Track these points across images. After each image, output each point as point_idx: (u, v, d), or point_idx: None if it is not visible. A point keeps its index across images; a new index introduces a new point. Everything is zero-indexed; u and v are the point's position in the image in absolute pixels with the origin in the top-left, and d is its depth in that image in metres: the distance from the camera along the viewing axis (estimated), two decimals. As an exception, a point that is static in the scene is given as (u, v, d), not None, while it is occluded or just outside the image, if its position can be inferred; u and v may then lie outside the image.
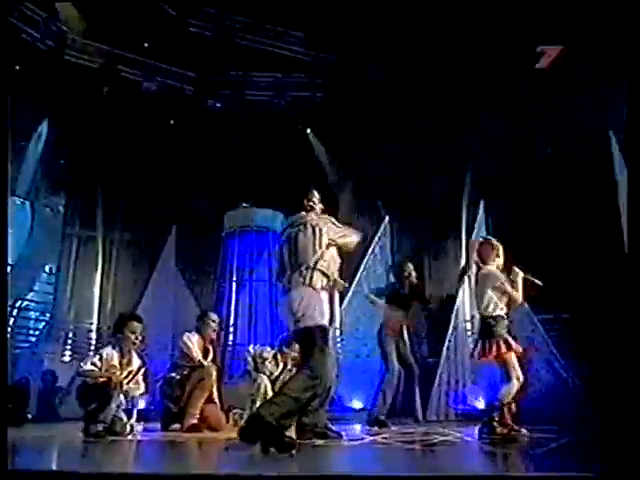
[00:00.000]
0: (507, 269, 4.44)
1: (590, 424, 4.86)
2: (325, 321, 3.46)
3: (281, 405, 3.22)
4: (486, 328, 4.31)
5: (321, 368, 3.31)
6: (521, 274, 4.38)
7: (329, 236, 3.60)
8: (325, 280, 3.50)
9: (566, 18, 6.25)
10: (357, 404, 7.54)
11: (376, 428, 5.46)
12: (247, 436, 3.12)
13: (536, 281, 4.41)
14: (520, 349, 4.29)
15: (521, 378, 4.22)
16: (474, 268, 4.60)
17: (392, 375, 5.88)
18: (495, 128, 7.28)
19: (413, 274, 6.19)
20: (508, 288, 4.35)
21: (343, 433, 4.20)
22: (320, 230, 3.58)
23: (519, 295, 4.36)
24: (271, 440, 3.06)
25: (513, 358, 4.22)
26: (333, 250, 3.61)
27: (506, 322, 4.32)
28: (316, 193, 3.88)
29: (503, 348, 4.18)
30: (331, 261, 3.56)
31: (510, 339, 4.25)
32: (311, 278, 3.47)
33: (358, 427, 5.38)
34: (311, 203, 3.81)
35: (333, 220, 3.73)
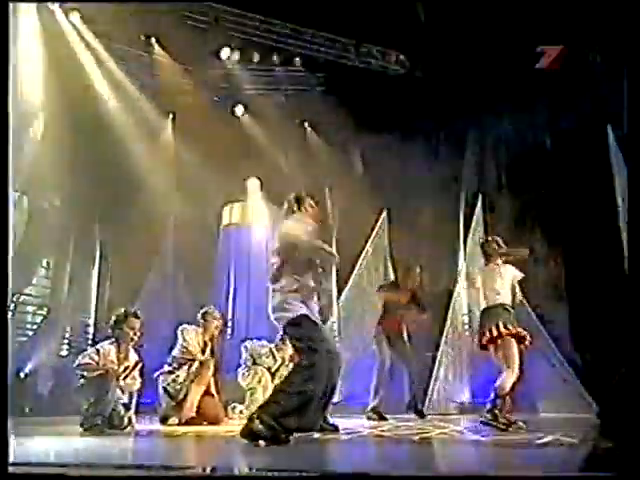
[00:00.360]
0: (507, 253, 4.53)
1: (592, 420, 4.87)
2: (301, 312, 3.45)
3: (279, 403, 3.23)
4: (501, 314, 4.32)
5: (314, 356, 3.31)
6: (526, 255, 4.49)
7: (284, 230, 3.61)
8: (293, 277, 3.49)
9: (566, 13, 6.25)
10: (356, 397, 7.55)
11: (373, 421, 5.49)
12: (247, 436, 3.13)
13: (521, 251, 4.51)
14: (528, 339, 4.32)
15: (517, 372, 4.24)
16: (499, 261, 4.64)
17: (381, 368, 5.92)
18: (494, 123, 7.28)
19: (417, 279, 6.22)
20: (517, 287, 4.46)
21: (339, 425, 4.20)
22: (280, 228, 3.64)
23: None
24: (270, 440, 3.08)
25: (514, 349, 4.25)
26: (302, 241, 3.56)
27: (512, 310, 4.38)
28: (301, 198, 3.85)
29: (503, 331, 4.21)
30: (295, 253, 3.52)
31: (510, 326, 4.28)
32: (275, 276, 3.52)
33: (356, 420, 5.39)
34: (295, 206, 3.81)
35: (303, 219, 3.72)
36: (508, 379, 4.20)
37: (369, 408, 5.82)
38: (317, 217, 3.85)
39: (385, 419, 5.66)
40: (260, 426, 3.10)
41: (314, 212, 3.85)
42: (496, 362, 4.36)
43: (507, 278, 4.45)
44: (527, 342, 4.31)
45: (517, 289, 4.49)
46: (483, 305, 4.45)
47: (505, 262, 4.56)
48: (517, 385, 4.29)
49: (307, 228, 3.65)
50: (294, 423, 3.20)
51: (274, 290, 3.55)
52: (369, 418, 5.73)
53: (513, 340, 4.24)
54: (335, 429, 4.12)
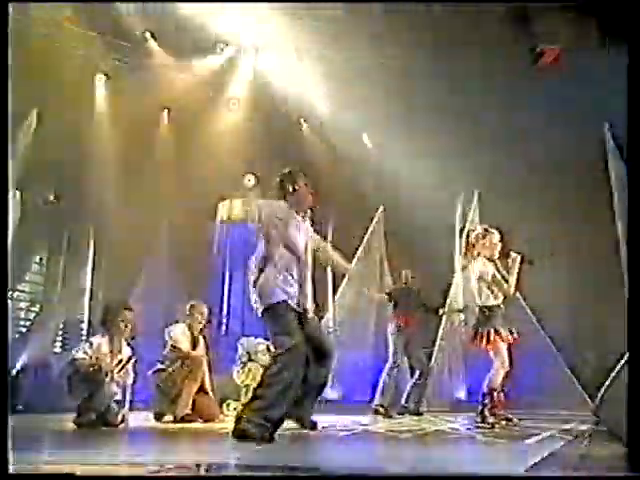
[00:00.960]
0: (504, 255, 4.43)
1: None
2: (277, 298, 3.42)
3: (261, 398, 3.21)
4: (479, 317, 4.33)
5: (288, 342, 3.29)
6: (518, 259, 4.36)
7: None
8: (276, 262, 3.45)
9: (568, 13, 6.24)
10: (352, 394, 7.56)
11: (373, 418, 5.49)
12: (238, 437, 3.12)
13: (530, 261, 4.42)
14: (511, 339, 4.29)
15: (506, 364, 4.23)
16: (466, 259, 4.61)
17: (392, 365, 5.94)
18: (492, 121, 7.27)
19: (410, 280, 6.25)
20: (498, 278, 4.34)
21: (318, 423, 3.95)
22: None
23: (510, 285, 4.34)
24: (260, 439, 3.06)
25: (501, 345, 4.24)
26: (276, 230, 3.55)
27: (500, 312, 4.33)
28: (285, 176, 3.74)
29: (492, 337, 4.20)
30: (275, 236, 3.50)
31: (501, 329, 4.25)
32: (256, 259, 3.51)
33: (352, 417, 5.36)
34: (289, 186, 3.70)
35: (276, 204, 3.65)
36: (497, 375, 4.21)
37: (376, 402, 5.85)
38: (308, 198, 3.73)
39: (390, 416, 5.66)
40: (248, 425, 3.09)
41: (307, 191, 3.73)
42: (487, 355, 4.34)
43: (476, 277, 4.37)
44: (510, 340, 4.28)
45: (497, 280, 4.30)
46: (478, 302, 4.39)
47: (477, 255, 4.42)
48: (506, 380, 4.29)
49: (295, 223, 3.61)
50: (279, 414, 3.19)
51: (257, 272, 3.50)
52: (376, 412, 5.75)
53: (498, 342, 4.23)
54: (313, 426, 3.88)
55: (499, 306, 4.34)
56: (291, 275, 3.50)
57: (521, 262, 4.37)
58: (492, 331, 4.23)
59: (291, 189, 3.66)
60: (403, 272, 6.38)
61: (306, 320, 3.55)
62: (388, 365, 6.02)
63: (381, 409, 5.79)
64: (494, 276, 4.33)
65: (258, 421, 3.10)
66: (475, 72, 7.23)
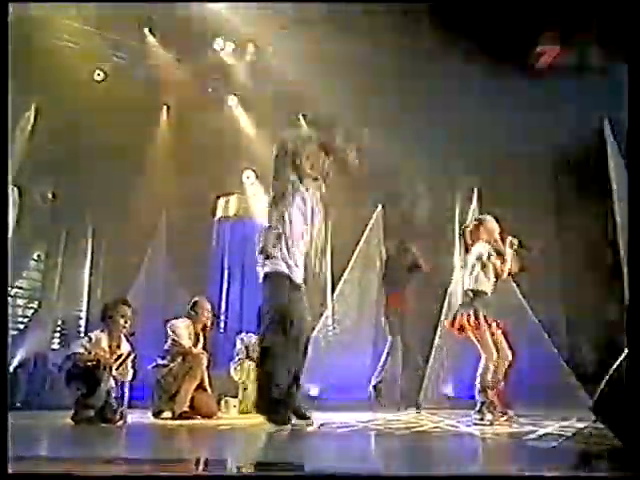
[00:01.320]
0: (503, 241, 4.41)
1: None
2: (281, 269, 3.46)
3: (265, 376, 3.30)
4: (463, 300, 4.30)
5: (274, 315, 3.36)
6: (516, 242, 4.35)
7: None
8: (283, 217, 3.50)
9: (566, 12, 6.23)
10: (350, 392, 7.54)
11: (372, 415, 5.50)
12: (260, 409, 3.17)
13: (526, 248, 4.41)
14: (494, 327, 4.21)
15: (494, 356, 4.14)
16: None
17: (389, 349, 5.97)
18: (491, 120, 7.26)
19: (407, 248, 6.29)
20: (493, 259, 4.31)
21: (312, 416, 3.89)
22: None
23: (505, 267, 4.31)
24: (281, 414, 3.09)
25: (486, 336, 4.14)
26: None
27: (485, 298, 4.27)
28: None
29: (472, 321, 4.12)
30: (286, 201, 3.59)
31: (481, 315, 4.17)
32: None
33: (349, 415, 5.37)
34: None
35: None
36: (487, 370, 4.12)
37: (373, 382, 5.92)
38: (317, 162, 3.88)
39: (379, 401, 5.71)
40: (266, 397, 3.12)
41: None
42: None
43: (472, 258, 4.35)
44: (491, 329, 4.19)
45: (492, 260, 4.25)
46: (467, 285, 4.36)
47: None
48: (503, 372, 4.24)
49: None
50: (287, 387, 3.31)
51: (265, 238, 3.54)
52: (374, 389, 5.82)
53: (483, 329, 4.13)
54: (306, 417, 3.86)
55: (486, 293, 4.28)
56: (291, 250, 3.54)
57: (519, 246, 4.37)
58: (472, 314, 4.13)
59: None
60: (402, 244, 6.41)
61: (298, 295, 3.58)
62: (387, 348, 6.08)
63: (376, 389, 5.85)
64: (490, 255, 4.30)
65: (272, 397, 3.12)
66: (475, 71, 7.22)
